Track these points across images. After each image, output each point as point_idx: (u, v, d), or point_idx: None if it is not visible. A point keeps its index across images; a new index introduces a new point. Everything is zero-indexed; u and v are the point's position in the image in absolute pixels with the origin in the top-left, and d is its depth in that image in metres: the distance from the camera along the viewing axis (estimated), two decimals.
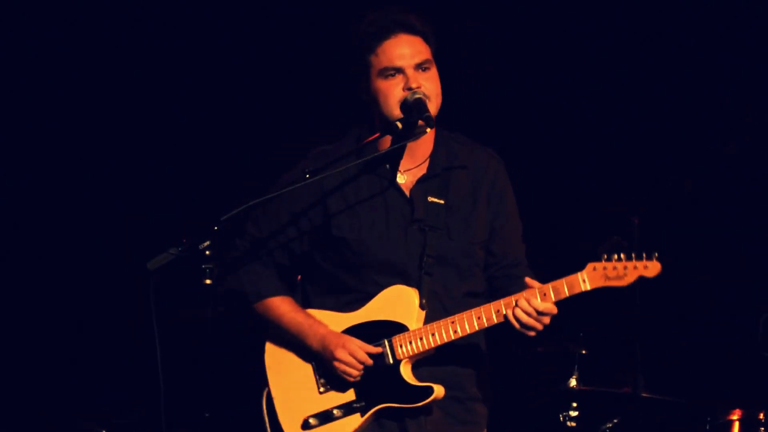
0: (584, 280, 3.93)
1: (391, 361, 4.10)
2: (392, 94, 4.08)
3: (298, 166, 4.25)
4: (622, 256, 3.90)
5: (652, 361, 5.88)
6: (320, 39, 6.60)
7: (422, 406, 4.07)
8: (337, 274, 4.19)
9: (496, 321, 4.01)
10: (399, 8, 4.16)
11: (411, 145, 4.16)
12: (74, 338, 6.74)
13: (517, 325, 3.97)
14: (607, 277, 3.92)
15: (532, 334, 3.99)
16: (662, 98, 6.65)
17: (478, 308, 4.02)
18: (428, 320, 4.09)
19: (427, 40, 4.15)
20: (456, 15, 6.57)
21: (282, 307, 4.25)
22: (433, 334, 4.05)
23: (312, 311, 4.23)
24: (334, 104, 5.66)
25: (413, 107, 4.04)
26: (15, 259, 6.73)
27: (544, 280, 3.98)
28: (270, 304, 4.26)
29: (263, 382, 4.26)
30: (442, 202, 4.16)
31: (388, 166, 4.20)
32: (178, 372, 4.61)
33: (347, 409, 4.14)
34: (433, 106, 4.09)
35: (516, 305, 3.96)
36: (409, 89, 4.07)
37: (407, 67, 4.08)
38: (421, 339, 4.07)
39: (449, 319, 4.04)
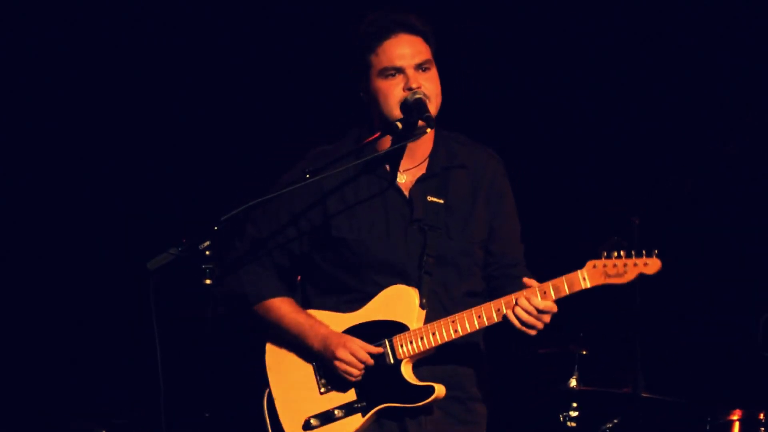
0: (584, 278, 3.93)
1: (392, 360, 4.09)
2: (392, 94, 4.08)
3: (297, 166, 4.25)
4: (622, 253, 3.90)
5: (653, 361, 5.87)
6: (320, 39, 6.60)
7: (423, 405, 4.07)
8: (336, 275, 4.19)
9: (496, 320, 4.01)
10: (399, 8, 4.16)
11: (410, 145, 4.16)
12: (74, 338, 6.74)
13: (517, 324, 3.97)
14: (607, 275, 3.92)
15: (533, 333, 3.99)
16: (662, 98, 6.65)
17: (478, 307, 4.02)
18: (428, 320, 4.09)
19: (427, 40, 4.15)
20: (456, 15, 6.57)
21: (282, 308, 4.25)
22: (433, 334, 4.05)
23: (312, 311, 4.23)
24: (334, 104, 5.66)
25: (413, 107, 4.04)
26: (15, 259, 6.73)
27: (543, 279, 3.98)
28: (270, 306, 4.26)
29: (264, 382, 4.26)
30: (441, 201, 4.16)
31: (387, 166, 4.20)
32: (178, 372, 4.61)
33: (348, 410, 4.14)
34: (433, 106, 4.09)
35: (516, 304, 3.96)
36: (410, 89, 4.06)
37: (407, 67, 4.08)
38: (421, 338, 4.07)
39: (449, 319, 4.04)
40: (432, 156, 4.22)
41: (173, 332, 4.23)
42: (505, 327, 4.02)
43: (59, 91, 6.71)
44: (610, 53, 6.65)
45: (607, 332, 6.35)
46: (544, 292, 3.95)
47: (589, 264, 3.93)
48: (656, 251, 3.89)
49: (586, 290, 3.94)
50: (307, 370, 4.21)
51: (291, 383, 4.22)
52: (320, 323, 4.18)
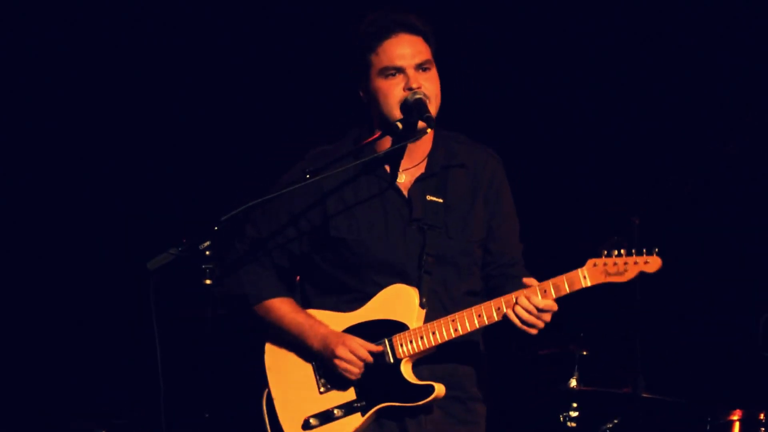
0: (585, 277, 3.93)
1: (392, 360, 4.09)
2: (392, 94, 4.08)
3: (296, 166, 4.25)
4: (622, 252, 3.90)
5: (653, 361, 5.87)
6: (320, 39, 6.60)
7: (423, 405, 4.06)
8: (336, 275, 4.19)
9: (496, 319, 4.01)
10: (399, 8, 4.16)
11: (410, 145, 4.16)
12: (74, 338, 6.73)
13: (517, 323, 3.97)
14: (608, 273, 3.92)
15: (533, 331, 3.99)
16: (662, 98, 6.65)
17: (478, 306, 4.02)
18: (428, 319, 4.08)
19: (427, 41, 4.15)
20: (456, 15, 6.57)
21: (282, 308, 4.25)
22: (433, 333, 4.05)
23: (312, 311, 4.23)
24: (334, 104, 5.66)
25: (413, 107, 4.04)
26: (15, 259, 6.72)
27: (544, 279, 3.98)
28: (270, 306, 4.26)
29: (263, 382, 4.26)
30: (440, 200, 4.16)
31: (387, 166, 4.20)
32: (178, 372, 4.61)
33: (348, 409, 4.14)
34: (433, 107, 4.09)
35: (516, 302, 3.96)
36: (410, 89, 4.06)
37: (408, 67, 4.08)
38: (421, 338, 4.06)
39: (449, 318, 4.04)
40: (431, 155, 4.21)
41: (173, 332, 4.23)
42: (506, 326, 4.01)
43: (59, 91, 6.71)
44: (611, 53, 6.65)
45: (607, 332, 6.35)
46: (545, 291, 3.95)
47: (590, 262, 3.93)
48: (656, 249, 3.89)
49: (587, 289, 3.94)
50: (306, 369, 4.21)
51: (290, 383, 4.22)
52: (320, 323, 4.18)
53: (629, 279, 3.90)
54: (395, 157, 4.18)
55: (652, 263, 3.90)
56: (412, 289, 4.10)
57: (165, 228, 6.40)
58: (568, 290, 3.94)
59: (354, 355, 4.08)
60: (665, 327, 6.54)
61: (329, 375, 4.16)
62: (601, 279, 3.93)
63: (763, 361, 6.09)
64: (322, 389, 4.18)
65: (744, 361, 6.35)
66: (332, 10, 6.52)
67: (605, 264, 3.91)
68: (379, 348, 4.10)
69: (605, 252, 3.91)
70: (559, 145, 6.78)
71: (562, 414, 6.25)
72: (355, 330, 4.15)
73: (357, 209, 4.17)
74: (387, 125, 4.10)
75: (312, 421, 4.17)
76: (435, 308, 4.10)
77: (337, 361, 4.10)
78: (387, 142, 4.14)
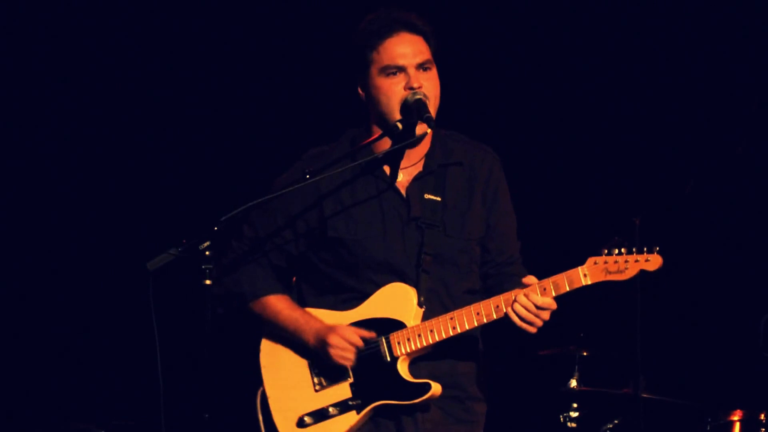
0: (585, 275, 3.92)
1: (389, 358, 4.09)
2: (393, 93, 4.08)
3: (294, 166, 4.25)
4: (623, 250, 3.89)
5: (653, 361, 5.87)
6: (319, 39, 6.60)
7: (419, 402, 4.06)
8: (334, 275, 4.19)
9: (495, 317, 4.00)
10: (401, 7, 4.16)
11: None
12: (74, 338, 6.73)
13: (516, 321, 3.97)
14: (608, 272, 3.91)
15: (532, 330, 3.99)
16: (663, 98, 6.64)
17: (477, 304, 4.02)
18: (426, 318, 4.08)
19: (427, 41, 4.15)
20: (456, 15, 6.57)
21: (278, 304, 4.24)
22: (431, 331, 4.05)
23: (310, 310, 4.22)
24: (334, 104, 5.66)
25: (413, 107, 4.04)
26: (15, 260, 6.72)
27: (543, 278, 3.97)
28: (266, 302, 4.26)
29: (258, 381, 4.25)
30: (438, 199, 4.16)
31: (386, 166, 4.20)
32: (178, 372, 4.61)
33: (343, 407, 4.13)
34: (432, 107, 4.09)
35: (515, 300, 3.96)
36: (411, 89, 4.06)
37: (409, 66, 4.08)
38: (419, 336, 4.06)
39: (448, 316, 4.03)
40: (428, 154, 4.21)
41: (173, 332, 4.23)
42: (504, 324, 4.01)
43: (59, 91, 6.71)
44: (612, 53, 6.65)
45: (607, 333, 6.34)
46: (544, 289, 3.95)
47: (590, 261, 3.93)
48: (657, 248, 3.88)
49: (587, 289, 3.94)
50: (301, 367, 4.21)
51: (285, 381, 4.21)
52: (315, 318, 4.17)
53: (630, 277, 3.90)
54: (394, 158, 4.18)
55: (653, 261, 3.89)
56: (410, 287, 4.10)
57: (165, 228, 6.40)
58: (567, 288, 3.94)
59: (346, 341, 4.07)
60: (665, 327, 6.54)
61: (325, 373, 4.16)
62: (602, 277, 3.92)
63: (764, 361, 6.08)
64: (317, 387, 4.18)
65: (744, 361, 6.34)
66: (332, 10, 6.52)
67: (606, 262, 3.91)
68: (372, 334, 4.08)
69: (605, 251, 3.90)
70: (560, 145, 6.78)
71: (562, 414, 6.25)
72: None
73: (355, 209, 4.17)
74: (386, 124, 4.10)
75: (306, 419, 4.16)
76: (433, 307, 4.10)
77: (330, 350, 4.09)
78: (386, 143, 4.14)
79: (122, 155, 6.76)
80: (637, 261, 3.89)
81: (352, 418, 4.12)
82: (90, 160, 6.75)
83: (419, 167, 4.20)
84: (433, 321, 4.05)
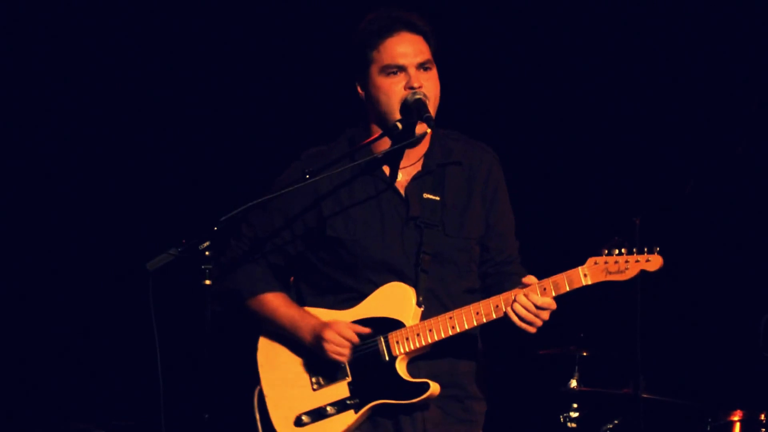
0: (585, 275, 3.92)
1: (387, 357, 4.09)
2: (393, 92, 4.08)
3: (292, 166, 4.25)
4: (623, 250, 3.89)
5: (653, 361, 5.86)
6: (319, 39, 6.60)
7: (418, 402, 4.06)
8: (333, 275, 4.19)
9: (495, 317, 4.00)
10: (400, 7, 4.16)
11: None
12: (74, 339, 6.73)
13: (516, 320, 3.96)
14: (608, 272, 3.91)
15: (532, 330, 3.98)
16: (664, 98, 6.64)
17: (476, 304, 4.01)
18: (425, 317, 4.08)
19: (428, 40, 4.15)
20: (456, 15, 6.56)
21: (275, 301, 4.24)
22: (430, 330, 4.04)
23: (308, 309, 4.22)
24: (333, 104, 5.65)
25: (413, 107, 4.04)
26: (14, 260, 6.72)
27: (543, 278, 3.97)
28: (263, 299, 4.25)
29: (255, 380, 4.25)
30: (437, 198, 4.16)
31: (385, 166, 4.19)
32: (177, 372, 4.60)
33: (341, 406, 4.13)
34: (432, 107, 4.09)
35: (515, 300, 3.95)
36: (411, 88, 4.06)
37: (410, 66, 4.08)
38: (418, 335, 4.06)
39: (447, 315, 4.03)
40: (427, 153, 4.21)
41: (173, 332, 4.23)
42: (504, 324, 4.01)
43: (59, 91, 6.70)
44: (612, 53, 6.65)
45: (607, 333, 6.34)
46: (544, 289, 3.95)
47: (590, 261, 3.92)
48: (657, 248, 3.88)
49: (587, 289, 3.93)
50: (299, 366, 4.20)
51: (283, 380, 4.20)
52: (312, 315, 4.17)
53: (630, 278, 3.90)
54: (394, 158, 4.18)
55: (654, 262, 3.89)
56: (408, 287, 4.10)
57: (165, 228, 6.40)
58: (568, 288, 3.94)
59: (341, 337, 4.07)
60: (665, 327, 6.53)
61: (323, 371, 4.16)
62: (602, 277, 3.92)
63: (764, 361, 6.08)
64: (315, 386, 4.17)
65: (744, 361, 6.34)
66: (331, 11, 6.52)
67: (606, 262, 3.90)
68: (367, 330, 4.08)
69: (606, 251, 3.90)
70: (560, 145, 6.78)
71: (562, 414, 6.25)
72: None
73: (354, 209, 4.17)
74: (385, 124, 4.10)
75: (304, 418, 4.16)
76: (432, 306, 4.10)
77: (325, 345, 4.08)
78: (385, 143, 4.14)
79: (122, 155, 6.76)
80: (637, 261, 3.89)
81: (350, 417, 4.12)
82: (90, 160, 6.75)
83: (418, 167, 4.20)
84: (432, 320, 4.05)
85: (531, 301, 3.94)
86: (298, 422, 4.16)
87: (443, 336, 4.04)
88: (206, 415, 3.76)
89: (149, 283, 3.82)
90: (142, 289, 3.86)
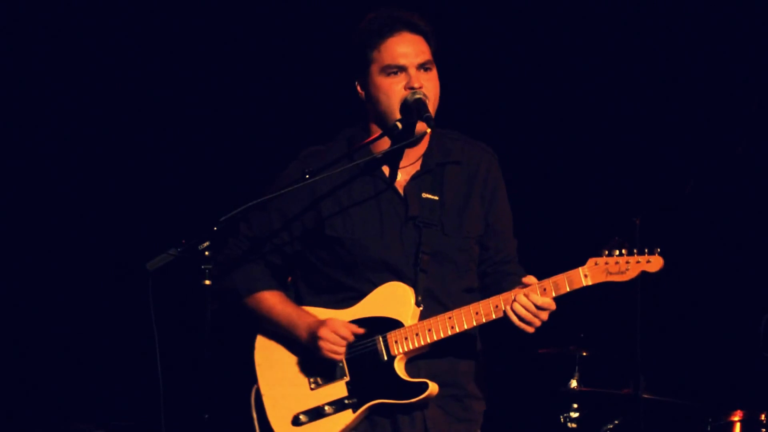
0: (585, 275, 3.92)
1: (386, 357, 4.08)
2: (393, 92, 4.08)
3: (290, 166, 4.25)
4: (623, 251, 3.89)
5: (653, 361, 5.86)
6: (319, 39, 6.60)
7: (416, 402, 4.05)
8: (332, 274, 4.19)
9: (494, 317, 4.00)
10: (401, 7, 4.16)
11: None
12: (74, 339, 6.73)
13: (515, 320, 3.96)
14: (609, 273, 3.91)
15: (531, 330, 3.98)
16: (664, 98, 6.64)
17: (476, 303, 4.01)
18: (424, 317, 4.08)
19: (428, 41, 4.15)
20: (456, 15, 6.56)
21: (272, 299, 4.24)
22: (429, 330, 4.04)
23: (307, 308, 4.22)
24: (333, 104, 5.65)
25: (413, 107, 4.04)
26: (14, 260, 6.72)
27: (543, 278, 3.97)
28: (261, 298, 4.25)
29: (252, 379, 4.24)
30: (436, 198, 4.16)
31: (385, 166, 4.19)
32: (177, 372, 4.60)
33: (339, 406, 4.13)
34: (432, 107, 4.09)
35: (515, 300, 3.95)
36: (411, 88, 4.06)
37: (410, 66, 4.08)
38: (416, 335, 4.06)
39: (446, 315, 4.03)
40: (426, 153, 4.21)
41: (173, 332, 4.22)
42: (503, 324, 4.01)
43: (59, 91, 6.70)
44: (612, 53, 6.65)
45: (607, 333, 6.34)
46: (544, 289, 3.95)
47: (591, 261, 3.92)
48: (658, 249, 3.88)
49: (587, 289, 3.93)
50: (297, 364, 4.20)
51: (280, 379, 4.20)
52: (309, 313, 4.17)
53: (630, 278, 3.89)
54: (393, 158, 4.18)
55: (654, 263, 3.89)
56: (407, 286, 4.10)
57: (165, 228, 6.40)
58: (568, 289, 3.93)
59: (337, 335, 4.07)
60: (665, 327, 6.53)
61: (320, 371, 4.15)
62: (602, 278, 3.92)
63: (764, 361, 6.08)
64: (312, 385, 4.17)
65: (744, 361, 6.34)
66: (331, 11, 6.52)
67: (606, 263, 3.90)
68: (361, 330, 4.08)
69: (606, 252, 3.90)
70: (560, 145, 6.78)
71: (562, 414, 6.25)
72: None
73: (353, 209, 4.17)
74: (385, 124, 4.10)
75: (302, 417, 4.16)
76: (431, 306, 4.10)
77: (320, 343, 4.08)
78: (384, 143, 4.14)
79: (122, 155, 6.76)
80: (638, 262, 3.89)
81: (347, 416, 4.11)
82: (90, 160, 6.75)
83: (417, 166, 4.20)
84: (431, 320, 4.05)
85: (531, 302, 3.94)
86: (296, 421, 4.16)
87: (442, 336, 4.04)
88: (206, 415, 3.76)
89: (149, 283, 3.82)
90: (142, 289, 3.86)
